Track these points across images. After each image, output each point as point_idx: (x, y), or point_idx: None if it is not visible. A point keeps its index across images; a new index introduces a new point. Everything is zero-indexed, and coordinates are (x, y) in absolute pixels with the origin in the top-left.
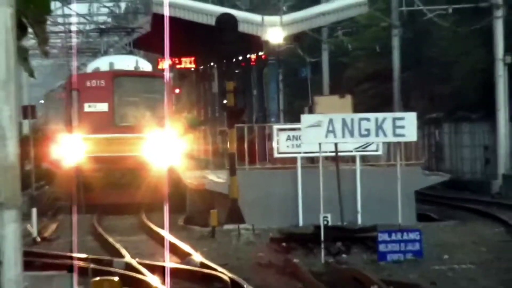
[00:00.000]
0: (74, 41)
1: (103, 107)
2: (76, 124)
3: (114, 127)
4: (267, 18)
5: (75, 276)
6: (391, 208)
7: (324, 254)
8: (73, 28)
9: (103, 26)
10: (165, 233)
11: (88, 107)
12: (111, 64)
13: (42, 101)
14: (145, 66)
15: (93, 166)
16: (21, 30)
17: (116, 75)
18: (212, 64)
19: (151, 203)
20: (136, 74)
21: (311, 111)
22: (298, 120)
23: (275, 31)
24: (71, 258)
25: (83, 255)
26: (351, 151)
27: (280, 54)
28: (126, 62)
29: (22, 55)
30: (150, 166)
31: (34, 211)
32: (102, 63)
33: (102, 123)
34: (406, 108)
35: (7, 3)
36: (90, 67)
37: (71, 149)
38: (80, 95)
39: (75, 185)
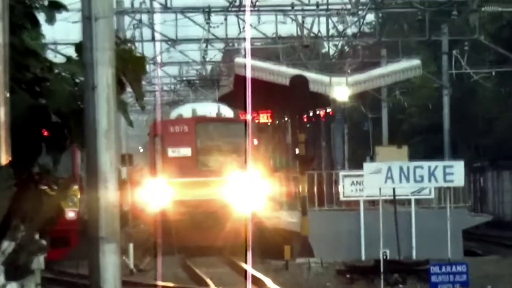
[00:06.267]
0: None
1: (186, 152)
2: (161, 169)
3: (197, 171)
4: (334, 79)
5: None
6: (441, 244)
7: (383, 284)
8: (160, 81)
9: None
10: (246, 266)
11: (172, 152)
12: (193, 111)
13: (141, 148)
14: (227, 112)
15: (178, 210)
16: (120, 87)
17: (198, 121)
18: (286, 118)
19: (233, 245)
20: (218, 120)
21: (372, 160)
22: (361, 167)
23: (341, 90)
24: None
25: (172, 284)
26: (407, 195)
27: (345, 110)
28: (208, 108)
29: (122, 107)
30: (232, 209)
31: (131, 246)
32: (185, 110)
33: (185, 168)
34: (455, 157)
35: (109, 64)
36: (174, 113)
37: (156, 193)
38: (164, 141)
39: (164, 227)
